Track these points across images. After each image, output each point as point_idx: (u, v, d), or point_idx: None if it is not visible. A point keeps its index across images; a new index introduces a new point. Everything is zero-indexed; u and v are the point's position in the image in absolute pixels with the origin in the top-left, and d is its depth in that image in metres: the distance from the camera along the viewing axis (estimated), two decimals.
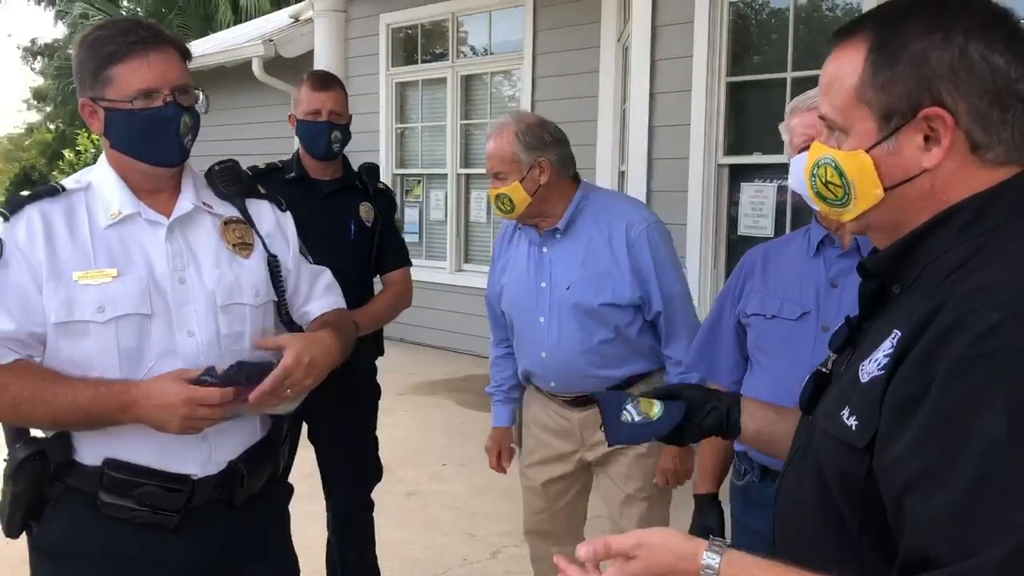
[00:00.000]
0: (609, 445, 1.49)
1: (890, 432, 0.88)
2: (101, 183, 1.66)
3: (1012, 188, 0.96)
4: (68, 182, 1.69)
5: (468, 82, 8.11)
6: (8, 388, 1.52)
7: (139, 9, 19.83)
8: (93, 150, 8.36)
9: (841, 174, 1.02)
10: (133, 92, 1.57)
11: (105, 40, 1.60)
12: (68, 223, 1.60)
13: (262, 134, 9.68)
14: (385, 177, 8.35)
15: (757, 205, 4.89)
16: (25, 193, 1.65)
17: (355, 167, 2.93)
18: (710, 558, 0.93)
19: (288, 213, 1.88)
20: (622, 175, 6.36)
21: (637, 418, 1.40)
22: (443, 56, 8.25)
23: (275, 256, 1.78)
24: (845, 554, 0.96)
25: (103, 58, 1.59)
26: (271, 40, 8.80)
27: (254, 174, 2.44)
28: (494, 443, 2.72)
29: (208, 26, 17.24)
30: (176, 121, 1.60)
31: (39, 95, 27.34)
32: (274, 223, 1.83)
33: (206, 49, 10.36)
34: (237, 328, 1.70)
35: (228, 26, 15.97)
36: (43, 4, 16.17)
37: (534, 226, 2.45)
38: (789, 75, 4.71)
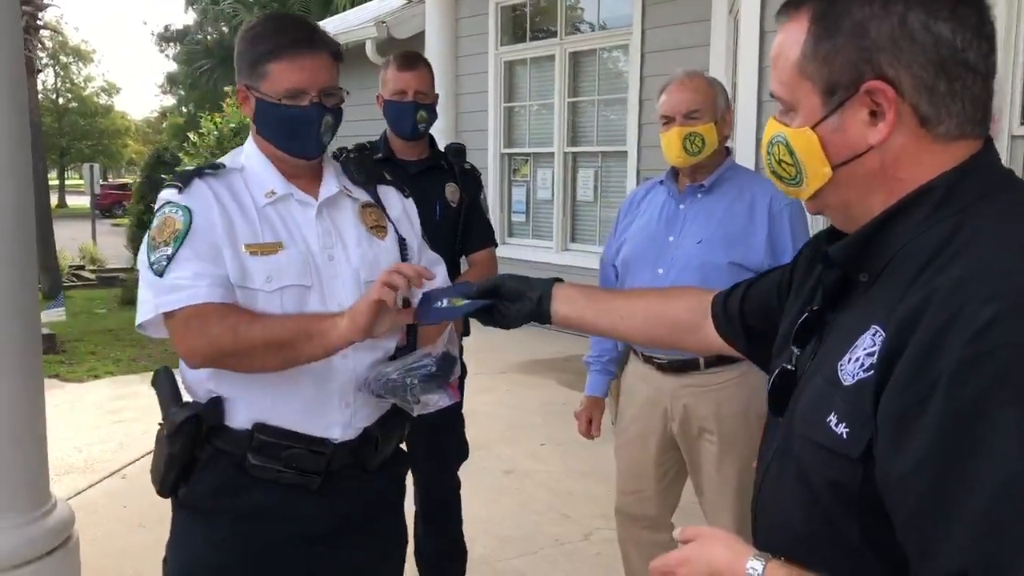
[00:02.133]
0: (416, 321, 1.66)
1: (893, 445, 0.82)
2: (254, 165, 1.77)
3: (977, 166, 0.90)
4: (226, 160, 1.81)
5: (576, 59, 8.04)
6: (228, 315, 1.62)
7: None
8: (216, 132, 8.69)
9: (791, 152, 0.98)
10: (283, 90, 1.69)
11: (263, 37, 1.72)
12: (233, 197, 1.71)
13: (376, 115, 9.82)
14: (492, 157, 8.39)
15: None
16: (190, 168, 1.79)
17: (442, 147, 2.94)
18: (753, 566, 0.91)
19: (411, 200, 1.98)
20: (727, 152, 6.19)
21: (445, 304, 1.60)
22: (552, 33, 8.18)
23: (404, 239, 1.88)
24: (846, 564, 0.89)
25: (260, 54, 1.71)
26: (383, 22, 8.92)
27: (343, 155, 2.48)
28: (585, 410, 2.72)
29: (327, 9, 17.68)
30: (318, 121, 1.71)
31: (172, 80, 28.75)
32: (401, 209, 1.94)
33: None
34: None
35: (346, 9, 16.32)
36: None
37: (674, 183, 2.52)
38: None
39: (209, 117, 8.87)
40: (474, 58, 8.65)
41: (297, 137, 1.72)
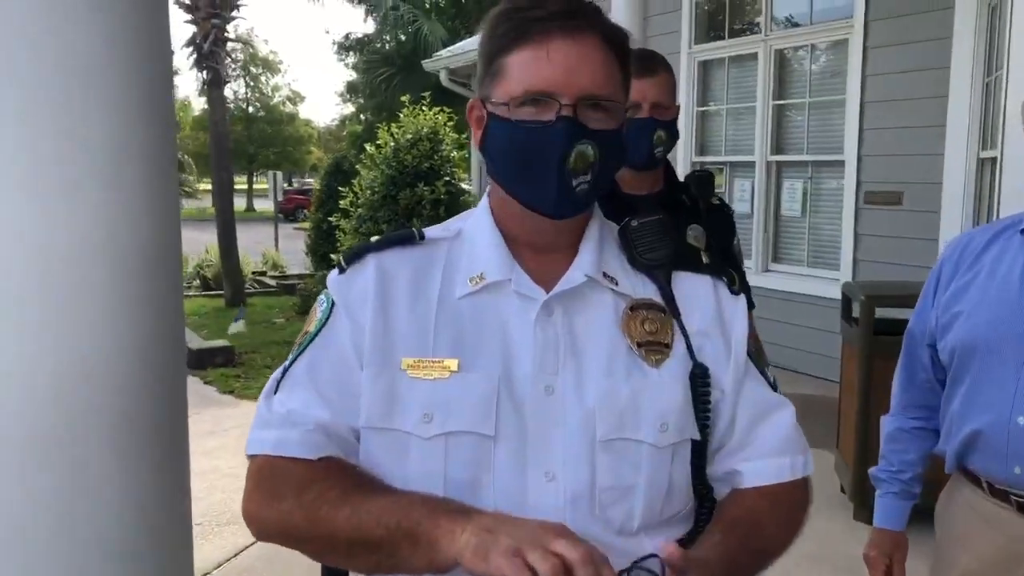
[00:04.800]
0: None
1: None
2: (475, 231, 1.24)
3: None
4: (435, 229, 1.28)
5: (783, 57, 7.18)
6: (310, 487, 1.09)
7: (440, 2, 20.57)
8: (392, 144, 8.39)
9: None
10: (518, 94, 1.12)
11: (504, 16, 1.16)
12: (413, 285, 1.20)
13: None
14: (683, 165, 7.64)
15: None
16: (374, 239, 1.29)
17: (681, 176, 2.27)
18: None
19: (741, 299, 1.27)
20: (987, 163, 5.22)
21: None
22: (754, 29, 7.36)
23: (704, 369, 1.18)
24: None
25: (495, 42, 1.16)
26: None
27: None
28: (879, 552, 1.93)
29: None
30: (565, 147, 1.10)
31: (352, 89, 29.45)
32: (713, 314, 1.23)
33: None
34: (625, 479, 1.13)
35: None
36: (354, 1, 17.10)
37: None
38: None
39: (385, 127, 8.56)
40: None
41: (532, 174, 1.13)
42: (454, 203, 8.27)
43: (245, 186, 43.89)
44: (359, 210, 8.41)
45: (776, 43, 7.13)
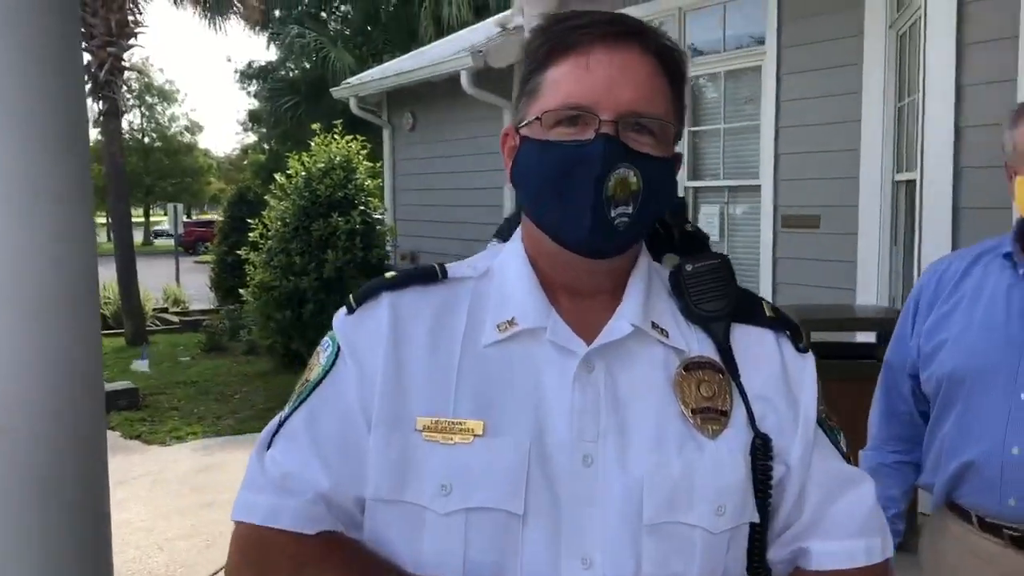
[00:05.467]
0: None
1: None
2: (505, 269, 1.08)
3: None
4: (459, 266, 1.11)
5: (697, 84, 7.26)
6: (304, 569, 0.97)
7: (346, 30, 20.39)
8: (304, 173, 8.16)
9: None
10: (553, 108, 0.99)
11: (541, 30, 1.04)
12: (433, 331, 1.03)
13: (471, 150, 9.24)
14: None
15: None
16: (389, 275, 1.10)
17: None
18: None
19: (809, 358, 1.09)
20: (901, 185, 5.34)
21: None
22: None
23: (767, 440, 1.02)
24: None
25: (531, 59, 1.04)
26: (480, 51, 8.30)
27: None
28: None
29: (412, 41, 17.29)
30: (601, 172, 0.95)
31: (254, 117, 28.86)
32: (777, 375, 1.06)
33: (414, 64, 10.09)
34: (673, 569, 0.97)
35: (431, 41, 15.88)
36: (256, 28, 16.75)
37: None
38: None
39: (295, 156, 8.32)
40: None
41: (561, 201, 0.98)
42: (370, 233, 8.09)
43: (142, 219, 42.47)
44: (269, 242, 8.14)
45: (695, 69, 7.21)
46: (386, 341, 1.01)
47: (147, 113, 42.69)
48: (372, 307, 1.05)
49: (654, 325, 1.03)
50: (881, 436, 1.90)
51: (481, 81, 8.43)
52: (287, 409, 1.05)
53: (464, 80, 8.42)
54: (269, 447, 1.03)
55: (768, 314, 1.09)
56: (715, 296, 1.06)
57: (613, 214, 0.96)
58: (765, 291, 6.50)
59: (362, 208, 8.07)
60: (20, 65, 1.79)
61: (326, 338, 1.07)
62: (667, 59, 1.02)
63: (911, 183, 4.91)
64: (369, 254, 7.96)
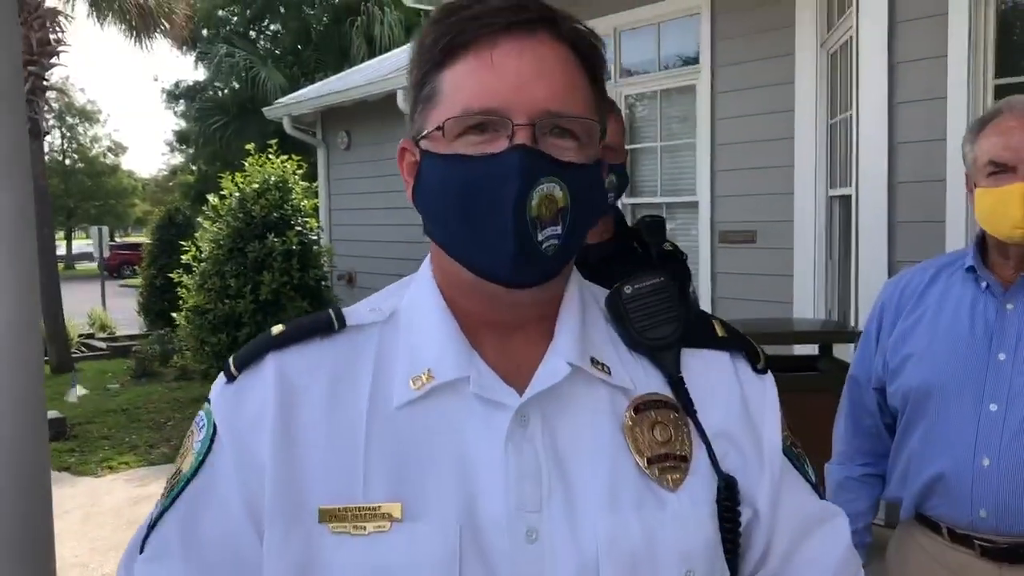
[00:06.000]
0: None
1: None
2: (415, 309, 0.91)
3: None
4: (359, 309, 0.93)
5: (633, 103, 7.35)
6: None
7: (276, 49, 20.15)
8: (238, 194, 7.99)
9: None
10: (457, 115, 0.83)
11: (435, 23, 0.87)
12: (332, 395, 0.86)
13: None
14: None
15: None
16: (275, 331, 0.91)
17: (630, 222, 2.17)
18: None
19: (768, 379, 0.96)
20: (835, 200, 5.46)
21: None
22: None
23: (732, 483, 0.88)
24: None
25: (425, 57, 0.87)
26: None
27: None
28: None
29: (344, 60, 17.17)
30: (521, 190, 0.80)
31: (182, 138, 28.33)
32: (737, 405, 0.92)
33: (349, 83, 10.01)
34: None
35: (364, 60, 15.79)
36: (184, 47, 16.46)
37: (988, 271, 1.71)
38: None
39: (228, 177, 8.16)
40: None
41: (477, 227, 0.83)
42: (307, 253, 7.98)
43: (64, 243, 41.24)
44: (203, 264, 7.96)
45: (625, 89, 7.29)
46: (273, 416, 0.84)
47: (68, 134, 41.59)
48: (255, 373, 0.88)
49: (594, 362, 0.88)
50: (848, 450, 1.92)
51: None
52: (157, 509, 0.89)
53: (400, 99, 8.39)
54: (141, 554, 0.87)
55: (720, 333, 0.96)
56: (661, 321, 0.92)
57: (540, 237, 0.82)
58: (705, 305, 6.57)
59: (298, 229, 7.95)
60: None
61: (201, 414, 0.90)
62: (582, 46, 0.87)
63: (845, 198, 5.02)
64: (306, 275, 7.85)
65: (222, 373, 0.90)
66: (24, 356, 1.87)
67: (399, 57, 11.16)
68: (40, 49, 11.48)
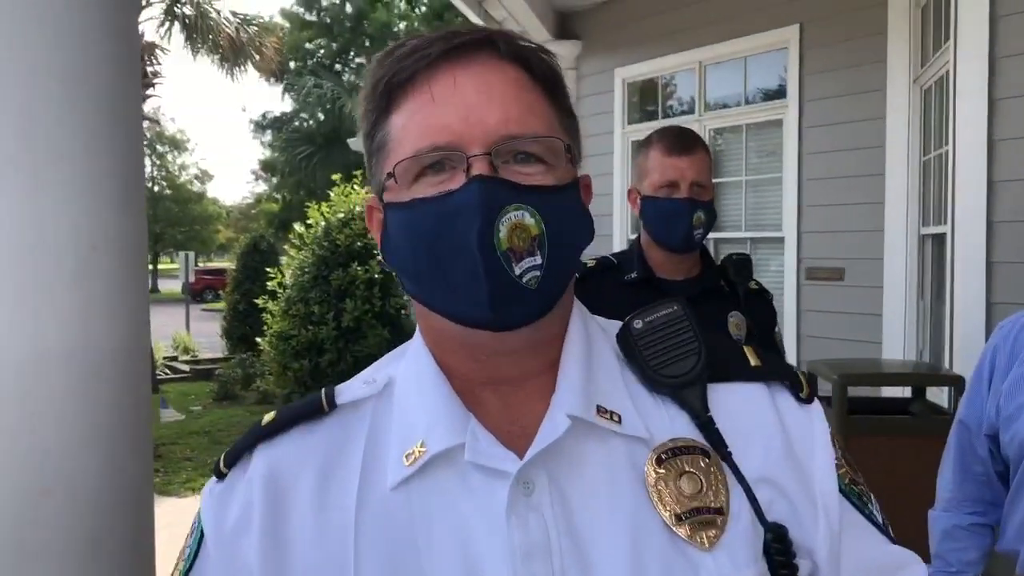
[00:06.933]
0: None
1: None
2: (410, 378, 0.84)
3: None
4: (354, 385, 0.86)
5: (718, 136, 7.29)
6: None
7: (361, 81, 20.60)
8: (323, 223, 8.16)
9: None
10: (409, 155, 0.77)
11: (374, 72, 0.82)
12: (321, 486, 0.80)
13: None
14: (618, 244, 7.63)
15: None
16: (265, 420, 0.85)
17: (717, 259, 2.15)
18: None
19: (815, 408, 0.85)
20: (930, 240, 5.32)
21: None
22: (688, 109, 7.48)
23: (782, 533, 0.77)
24: None
25: (372, 107, 0.82)
26: None
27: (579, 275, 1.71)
28: None
29: None
30: (485, 222, 0.73)
31: (267, 167, 29.15)
32: (779, 443, 0.81)
33: None
34: None
35: None
36: (272, 79, 16.98)
37: None
38: None
39: (315, 206, 8.34)
40: (597, 138, 7.99)
41: (446, 270, 0.76)
42: (388, 282, 8.07)
43: (150, 267, 42.66)
44: (288, 291, 8.13)
45: (710, 123, 7.24)
46: (260, 517, 0.79)
47: (158, 162, 43.11)
48: (242, 471, 0.83)
49: (600, 410, 0.78)
50: (956, 497, 1.85)
51: None
52: None
53: None
54: None
55: (754, 362, 0.85)
56: (679, 355, 0.82)
57: (518, 271, 0.74)
58: (790, 344, 6.45)
59: (380, 258, 8.07)
60: (86, 121, 1.78)
61: (195, 515, 0.85)
62: (532, 63, 0.81)
63: (939, 236, 4.89)
64: (387, 304, 7.95)
65: (213, 473, 0.86)
66: (136, 380, 1.92)
67: None
68: None
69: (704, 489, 0.76)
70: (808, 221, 6.33)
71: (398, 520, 0.76)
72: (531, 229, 0.74)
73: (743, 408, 0.82)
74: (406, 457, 0.77)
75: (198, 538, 0.82)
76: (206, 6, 13.85)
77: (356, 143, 11.59)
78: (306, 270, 7.95)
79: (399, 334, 8.07)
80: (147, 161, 39.88)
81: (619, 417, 0.78)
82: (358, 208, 8.09)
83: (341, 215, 8.09)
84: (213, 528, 0.81)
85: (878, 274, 5.79)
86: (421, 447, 0.77)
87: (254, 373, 10.69)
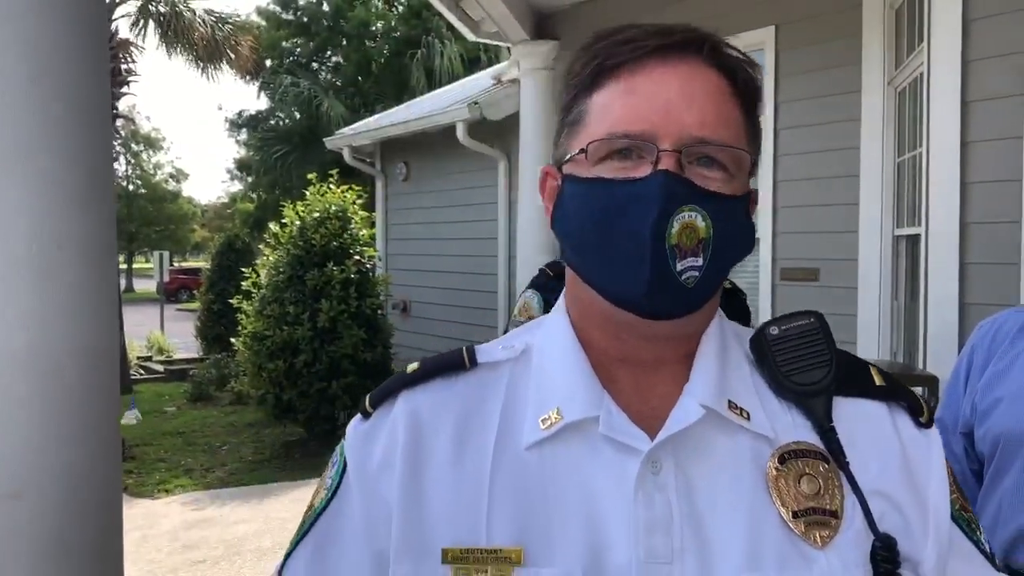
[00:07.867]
0: None
1: None
2: (547, 346, 0.89)
3: None
4: (492, 347, 0.92)
5: None
6: None
7: (338, 80, 20.52)
8: (298, 223, 8.08)
9: None
10: (601, 137, 0.82)
11: (585, 49, 0.87)
12: (459, 437, 0.85)
13: (463, 200, 9.25)
14: None
15: None
16: (410, 368, 0.91)
17: None
18: None
19: (933, 433, 0.89)
20: (904, 240, 5.36)
21: None
22: None
23: (890, 543, 0.80)
24: None
25: (575, 83, 0.86)
26: (476, 103, 8.35)
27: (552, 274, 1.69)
28: None
29: (404, 92, 17.42)
30: (661, 216, 0.78)
31: (242, 166, 28.95)
32: (897, 462, 0.85)
33: (409, 115, 10.15)
34: None
35: (423, 92, 16.00)
36: (248, 77, 16.85)
37: None
38: None
39: (291, 205, 8.27)
40: None
41: (613, 251, 0.80)
42: (364, 283, 8.03)
43: (124, 266, 42.28)
44: (262, 291, 8.06)
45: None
46: (401, 457, 0.84)
47: (132, 160, 42.73)
48: (387, 412, 0.88)
49: (731, 405, 0.83)
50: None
51: (476, 132, 8.49)
52: (291, 542, 0.91)
53: (460, 131, 8.47)
54: None
55: (878, 382, 0.89)
56: (810, 365, 0.86)
57: (679, 267, 0.78)
58: None
59: (357, 258, 8.01)
60: (49, 117, 1.75)
61: (337, 449, 0.91)
62: (737, 75, 0.84)
63: (913, 237, 4.92)
64: (363, 304, 7.90)
65: (358, 414, 0.91)
66: (102, 381, 1.89)
67: (458, 90, 11.29)
68: (111, 79, 11.84)
69: (821, 492, 0.81)
70: (783, 222, 6.36)
71: (531, 477, 0.81)
72: (700, 232, 0.79)
73: (864, 423, 0.86)
74: (542, 421, 0.83)
75: (340, 471, 0.88)
76: (181, 5, 13.73)
77: (332, 142, 11.54)
78: (281, 270, 7.86)
79: (375, 334, 8.02)
80: (121, 160, 39.52)
81: (748, 414, 0.83)
82: (333, 207, 8.03)
83: (317, 214, 8.02)
84: (357, 464, 0.87)
85: (852, 275, 5.82)
86: (557, 414, 0.82)
87: (228, 374, 10.60)
